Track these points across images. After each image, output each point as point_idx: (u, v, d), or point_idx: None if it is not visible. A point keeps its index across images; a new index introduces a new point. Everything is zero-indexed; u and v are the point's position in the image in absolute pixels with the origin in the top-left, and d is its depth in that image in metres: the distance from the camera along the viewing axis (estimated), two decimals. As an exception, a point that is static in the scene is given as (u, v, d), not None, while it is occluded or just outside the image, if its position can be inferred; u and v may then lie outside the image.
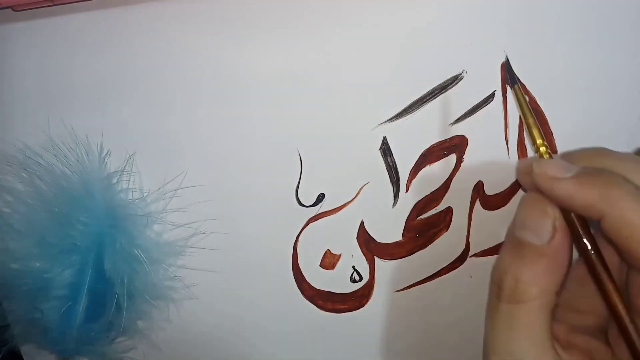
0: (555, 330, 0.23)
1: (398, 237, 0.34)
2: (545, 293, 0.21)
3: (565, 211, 0.22)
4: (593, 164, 0.22)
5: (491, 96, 0.33)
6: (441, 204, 0.34)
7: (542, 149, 0.24)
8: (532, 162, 0.23)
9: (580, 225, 0.22)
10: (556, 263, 0.21)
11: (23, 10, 0.31)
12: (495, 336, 0.22)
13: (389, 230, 0.34)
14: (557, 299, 0.22)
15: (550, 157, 0.24)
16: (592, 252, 0.22)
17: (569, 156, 0.24)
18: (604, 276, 0.21)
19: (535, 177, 0.22)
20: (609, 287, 0.21)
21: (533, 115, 0.26)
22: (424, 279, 0.34)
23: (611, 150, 0.24)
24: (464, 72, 0.33)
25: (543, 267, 0.21)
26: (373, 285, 0.34)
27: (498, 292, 0.22)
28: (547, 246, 0.21)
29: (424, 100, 0.33)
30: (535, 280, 0.21)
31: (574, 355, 0.22)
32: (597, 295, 0.23)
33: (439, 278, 0.34)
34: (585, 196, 0.20)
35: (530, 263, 0.21)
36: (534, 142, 0.25)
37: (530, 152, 0.34)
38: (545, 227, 0.21)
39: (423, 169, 0.33)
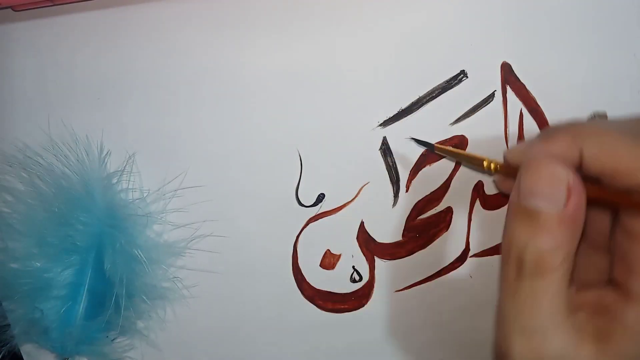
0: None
1: (398, 237, 0.34)
2: (568, 258, 0.20)
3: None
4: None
5: (491, 96, 0.33)
6: (441, 204, 0.34)
7: (492, 164, 0.27)
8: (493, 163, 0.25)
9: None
10: (576, 225, 0.20)
11: (23, 10, 0.31)
12: (516, 316, 0.21)
13: (389, 230, 0.34)
14: (572, 266, 0.21)
15: (497, 168, 0.27)
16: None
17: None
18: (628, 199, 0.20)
19: (511, 161, 0.23)
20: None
21: (462, 153, 0.30)
22: (424, 279, 0.34)
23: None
24: (464, 72, 0.33)
25: (564, 232, 0.20)
26: (373, 285, 0.34)
27: (518, 270, 0.21)
28: (565, 211, 0.20)
29: (424, 100, 0.33)
30: (559, 248, 0.20)
31: (584, 315, 0.22)
32: (597, 261, 0.23)
33: (439, 278, 0.34)
34: (559, 144, 0.21)
35: (549, 232, 0.20)
36: (481, 164, 0.27)
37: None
38: (560, 192, 0.20)
39: (423, 169, 0.33)
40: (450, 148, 0.31)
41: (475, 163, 0.28)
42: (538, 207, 0.20)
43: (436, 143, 0.32)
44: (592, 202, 0.21)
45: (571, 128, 0.22)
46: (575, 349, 0.21)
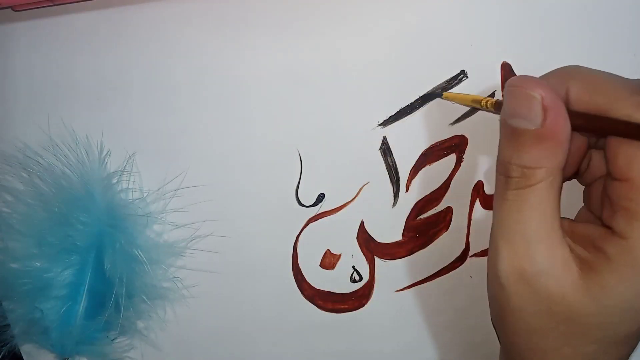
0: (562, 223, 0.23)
1: (398, 237, 0.34)
2: (551, 172, 0.21)
3: None
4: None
5: (491, 96, 0.33)
6: (441, 204, 0.34)
7: (490, 100, 0.27)
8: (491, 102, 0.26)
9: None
10: (556, 140, 0.21)
11: (23, 10, 0.31)
12: (503, 221, 0.22)
13: (389, 230, 0.34)
14: (562, 175, 0.22)
15: (496, 104, 0.27)
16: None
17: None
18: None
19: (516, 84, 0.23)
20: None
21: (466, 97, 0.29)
22: (424, 279, 0.34)
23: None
24: (464, 72, 0.33)
25: (544, 148, 0.21)
26: (373, 285, 0.34)
27: (506, 182, 0.22)
28: (543, 128, 0.21)
29: (424, 100, 0.33)
30: (540, 163, 0.21)
31: (576, 242, 0.22)
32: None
33: (439, 278, 0.34)
34: (553, 78, 0.22)
35: (531, 148, 0.22)
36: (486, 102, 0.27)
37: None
38: (535, 110, 0.21)
39: (423, 169, 0.33)
40: (457, 94, 0.31)
41: (477, 104, 0.28)
42: (518, 126, 0.22)
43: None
44: (579, 128, 0.22)
45: (559, 70, 0.23)
46: (561, 270, 0.21)
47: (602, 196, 0.23)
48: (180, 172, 0.33)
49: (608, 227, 0.22)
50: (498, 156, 0.23)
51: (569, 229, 0.23)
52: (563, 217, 0.24)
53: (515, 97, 0.22)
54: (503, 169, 0.23)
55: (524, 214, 0.22)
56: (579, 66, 0.23)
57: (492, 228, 0.23)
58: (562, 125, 0.21)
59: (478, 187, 0.34)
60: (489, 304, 0.24)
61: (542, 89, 0.21)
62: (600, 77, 0.22)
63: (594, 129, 0.22)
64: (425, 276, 0.34)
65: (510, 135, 0.23)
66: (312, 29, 0.32)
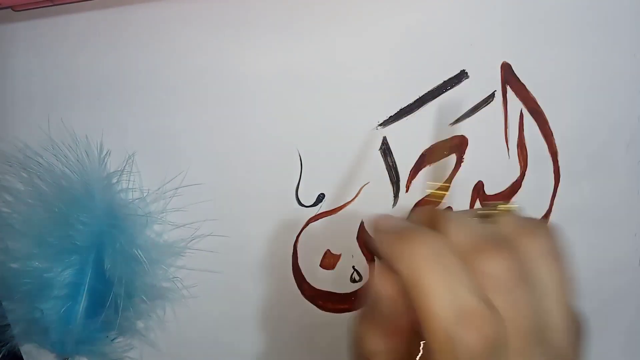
0: None
1: (398, 237, 0.34)
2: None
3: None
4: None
5: (491, 96, 0.33)
6: (441, 204, 0.34)
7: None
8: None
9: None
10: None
11: (23, 10, 0.31)
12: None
13: (389, 230, 0.34)
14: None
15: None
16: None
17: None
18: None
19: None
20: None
21: None
22: (424, 279, 0.34)
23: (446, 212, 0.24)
24: (465, 72, 0.33)
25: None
26: (373, 285, 0.34)
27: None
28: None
29: (424, 100, 0.33)
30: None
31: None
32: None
33: (439, 278, 0.34)
34: (387, 251, 0.20)
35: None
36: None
37: (531, 153, 0.34)
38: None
39: (423, 169, 0.33)
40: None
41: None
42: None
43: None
44: None
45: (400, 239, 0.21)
46: None
47: None
48: (180, 172, 0.33)
49: None
50: None
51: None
52: None
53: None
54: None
55: None
56: (418, 239, 0.20)
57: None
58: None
59: (478, 187, 0.34)
60: None
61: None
62: (424, 283, 0.19)
63: None
64: (425, 276, 0.34)
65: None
66: (312, 29, 0.32)
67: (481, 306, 0.18)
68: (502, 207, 0.22)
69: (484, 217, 0.22)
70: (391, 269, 0.20)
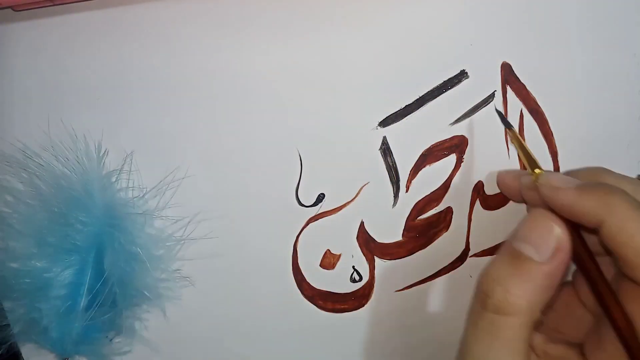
0: (534, 339, 0.23)
1: (398, 237, 0.34)
2: (532, 310, 0.21)
3: (571, 230, 0.22)
4: (594, 180, 0.22)
5: (491, 96, 0.33)
6: (441, 204, 0.34)
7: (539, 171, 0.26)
8: (535, 175, 0.23)
9: (583, 245, 0.22)
10: (550, 282, 0.21)
11: (23, 10, 0.31)
12: (475, 343, 0.22)
13: (389, 230, 0.34)
14: (541, 317, 0.22)
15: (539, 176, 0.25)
16: (595, 270, 0.22)
17: (571, 173, 0.25)
18: (607, 295, 0.21)
19: (540, 187, 0.22)
20: (612, 302, 0.21)
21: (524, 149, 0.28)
22: (424, 279, 0.34)
23: (611, 171, 0.25)
24: (465, 72, 0.33)
25: (537, 283, 0.21)
26: (373, 285, 0.34)
27: (484, 299, 0.22)
28: (546, 264, 0.21)
29: (424, 100, 0.33)
30: (526, 296, 0.21)
31: None
32: (582, 318, 0.23)
33: (439, 278, 0.34)
34: (586, 203, 0.21)
35: (524, 277, 0.21)
36: (533, 168, 0.26)
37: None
38: (549, 244, 0.21)
39: (423, 169, 0.33)
40: (521, 140, 0.30)
41: (526, 163, 0.28)
42: (523, 251, 0.21)
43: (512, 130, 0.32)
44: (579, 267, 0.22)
45: (603, 195, 0.21)
46: None
47: (592, 332, 0.23)
48: (180, 172, 0.33)
49: (583, 350, 0.22)
50: (485, 271, 0.23)
51: (541, 348, 0.23)
52: (540, 333, 0.23)
53: (534, 223, 0.22)
54: (485, 286, 0.22)
55: (496, 343, 0.21)
56: (626, 200, 0.21)
57: (463, 340, 0.23)
58: (563, 270, 0.21)
59: (478, 188, 0.34)
60: None
61: (562, 227, 0.21)
62: (638, 228, 0.20)
63: (592, 279, 0.22)
64: (425, 276, 0.34)
65: (511, 257, 0.22)
66: (312, 29, 0.32)
67: None
68: None
69: None
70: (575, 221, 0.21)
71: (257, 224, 0.34)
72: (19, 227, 0.32)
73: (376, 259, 0.34)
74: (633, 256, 0.20)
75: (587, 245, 0.21)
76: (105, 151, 0.32)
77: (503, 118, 0.32)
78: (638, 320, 0.20)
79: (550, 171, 0.26)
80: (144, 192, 0.33)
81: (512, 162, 0.34)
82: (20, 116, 0.33)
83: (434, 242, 0.34)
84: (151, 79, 0.32)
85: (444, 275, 0.34)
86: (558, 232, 0.21)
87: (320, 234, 0.34)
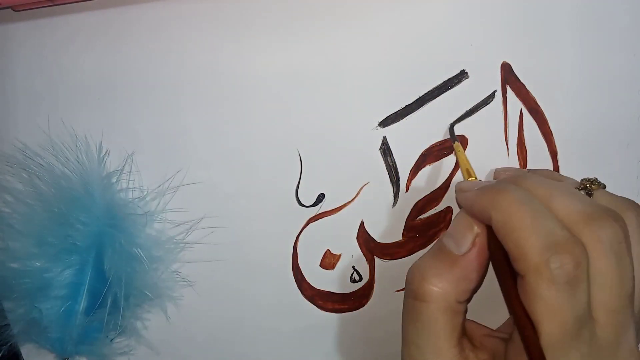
0: (474, 330, 0.25)
1: (398, 237, 0.34)
2: (446, 298, 0.23)
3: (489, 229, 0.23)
4: (514, 182, 0.24)
5: (491, 96, 0.33)
6: (441, 203, 0.34)
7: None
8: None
9: (496, 243, 0.23)
10: (465, 273, 0.23)
11: (23, 10, 0.31)
12: (405, 327, 0.24)
13: (389, 230, 0.34)
14: (462, 308, 0.24)
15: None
16: (502, 266, 0.23)
17: (496, 173, 0.31)
18: (507, 289, 0.22)
19: (455, 192, 0.26)
20: (511, 295, 0.22)
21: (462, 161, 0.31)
22: (424, 279, 0.34)
23: (540, 172, 0.29)
24: (465, 72, 0.33)
25: (452, 273, 0.23)
26: (373, 285, 0.34)
27: (407, 287, 0.24)
28: (461, 257, 0.23)
29: (424, 100, 0.33)
30: (440, 283, 0.23)
31: (482, 355, 0.23)
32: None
33: (439, 278, 0.34)
34: (480, 202, 0.23)
35: (440, 267, 0.23)
36: (467, 177, 0.30)
37: (530, 153, 0.34)
38: (467, 239, 0.23)
39: (423, 169, 0.33)
40: (461, 152, 0.32)
41: (463, 172, 0.31)
42: (445, 244, 0.24)
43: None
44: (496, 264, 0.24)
45: (493, 193, 0.23)
46: None
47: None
48: (180, 172, 0.33)
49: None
50: (415, 262, 0.25)
51: (479, 339, 0.24)
52: (482, 327, 0.25)
53: (459, 222, 0.24)
54: (409, 275, 0.24)
55: (418, 327, 0.23)
56: (511, 191, 0.22)
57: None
58: (478, 263, 0.23)
59: (478, 187, 0.34)
60: None
61: (479, 226, 0.24)
62: (517, 222, 0.22)
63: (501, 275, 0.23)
64: (425, 276, 0.34)
65: (435, 250, 0.24)
66: (312, 29, 0.32)
67: (571, 236, 0.21)
68: (595, 184, 0.25)
69: (583, 189, 0.25)
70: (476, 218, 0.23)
71: (257, 224, 0.34)
72: (19, 227, 0.32)
73: (376, 259, 0.34)
74: (514, 248, 0.21)
75: (499, 243, 0.23)
76: (106, 151, 0.32)
77: (452, 133, 0.33)
78: (529, 309, 0.21)
79: (475, 180, 0.29)
80: (145, 193, 0.33)
81: (511, 161, 0.34)
82: (20, 116, 0.33)
83: (434, 242, 0.34)
84: (152, 79, 0.32)
85: (444, 275, 0.34)
86: (476, 230, 0.24)
87: (320, 234, 0.34)
